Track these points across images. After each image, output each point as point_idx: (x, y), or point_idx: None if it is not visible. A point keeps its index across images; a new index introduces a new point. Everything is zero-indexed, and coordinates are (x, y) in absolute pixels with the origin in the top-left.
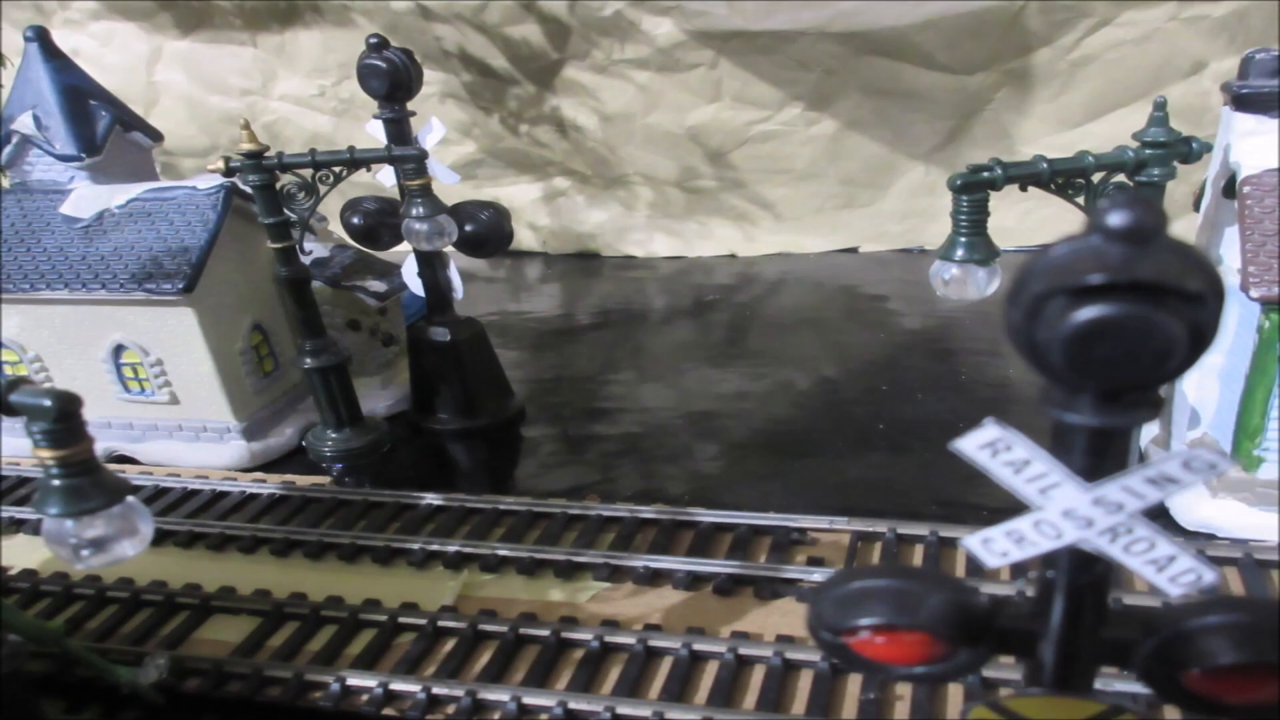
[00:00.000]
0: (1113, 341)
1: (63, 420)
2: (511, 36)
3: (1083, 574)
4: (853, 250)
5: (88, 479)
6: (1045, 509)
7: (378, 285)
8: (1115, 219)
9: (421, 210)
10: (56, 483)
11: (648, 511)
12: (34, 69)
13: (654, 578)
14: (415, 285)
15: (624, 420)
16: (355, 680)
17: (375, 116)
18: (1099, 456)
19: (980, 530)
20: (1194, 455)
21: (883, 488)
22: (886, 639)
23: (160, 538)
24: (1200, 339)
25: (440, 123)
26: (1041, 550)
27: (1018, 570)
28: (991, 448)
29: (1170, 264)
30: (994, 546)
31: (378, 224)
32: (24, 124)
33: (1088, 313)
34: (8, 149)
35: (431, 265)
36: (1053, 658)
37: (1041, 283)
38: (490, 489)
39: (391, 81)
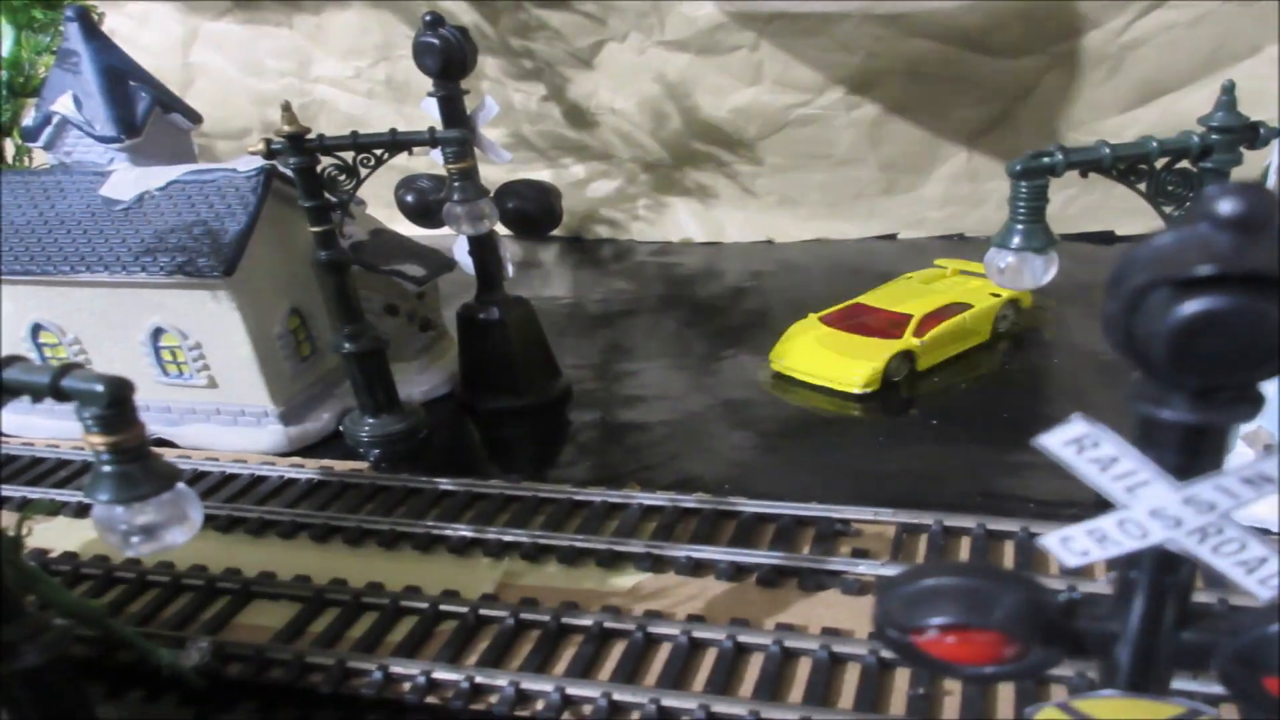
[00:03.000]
0: (1220, 335)
1: (115, 406)
2: (550, 18)
3: (1167, 575)
4: (891, 237)
5: (139, 465)
6: (1132, 507)
7: (416, 270)
8: (1226, 206)
9: (462, 194)
10: (107, 469)
11: (689, 501)
12: (74, 49)
13: (696, 568)
14: (466, 264)
15: (660, 407)
16: (398, 668)
17: (430, 94)
18: (1193, 455)
19: (1063, 527)
20: None
21: (926, 479)
22: (957, 638)
23: None
24: None
25: (494, 102)
26: (1125, 550)
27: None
28: (1078, 444)
29: None
30: (1074, 545)
31: (432, 201)
32: (64, 105)
33: (1195, 305)
34: (48, 130)
35: (482, 244)
36: (1129, 659)
37: (1145, 274)
38: (529, 475)
39: (445, 59)
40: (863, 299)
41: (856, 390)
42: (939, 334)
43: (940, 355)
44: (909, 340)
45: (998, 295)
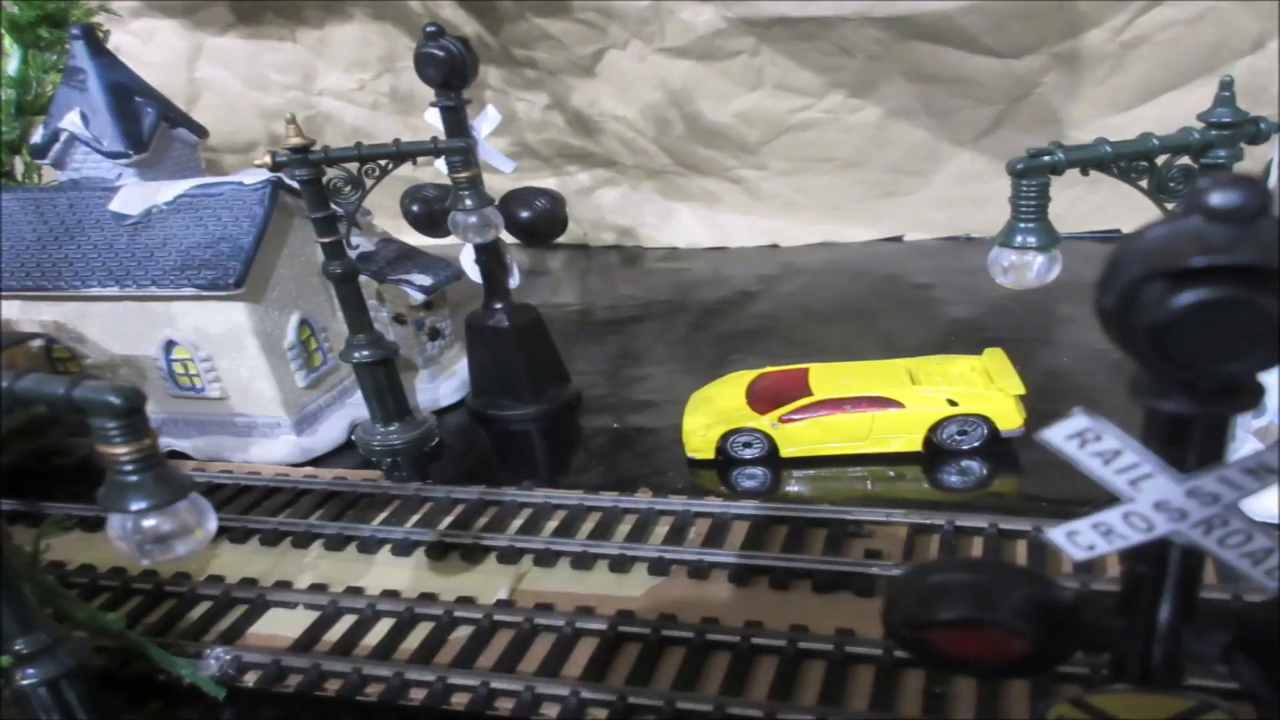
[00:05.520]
0: (1215, 327)
1: (129, 415)
2: (550, 26)
3: (1173, 567)
4: (897, 239)
5: (152, 475)
6: (1136, 501)
7: (423, 279)
8: (1218, 198)
9: (468, 203)
10: (121, 479)
11: (700, 505)
12: (81, 66)
13: (709, 571)
14: (473, 272)
15: (671, 412)
16: (413, 674)
17: (432, 104)
18: (1195, 447)
19: (1065, 523)
20: None
21: None
22: (966, 634)
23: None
24: None
25: (496, 110)
26: (1130, 543)
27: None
28: (1080, 438)
29: (1276, 245)
30: (1080, 539)
31: (438, 210)
32: (71, 122)
33: (1188, 297)
34: (56, 147)
35: (489, 253)
36: (1139, 653)
37: (1138, 266)
38: (541, 481)
39: (448, 69)
40: (818, 367)
41: (692, 454)
42: (809, 425)
43: (814, 449)
44: (760, 420)
45: (954, 403)
